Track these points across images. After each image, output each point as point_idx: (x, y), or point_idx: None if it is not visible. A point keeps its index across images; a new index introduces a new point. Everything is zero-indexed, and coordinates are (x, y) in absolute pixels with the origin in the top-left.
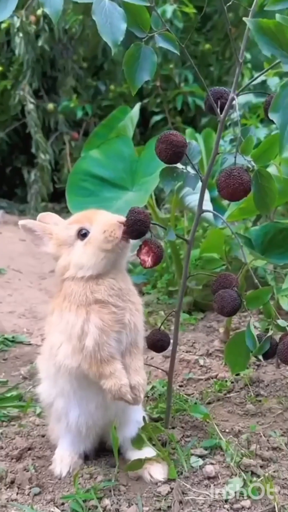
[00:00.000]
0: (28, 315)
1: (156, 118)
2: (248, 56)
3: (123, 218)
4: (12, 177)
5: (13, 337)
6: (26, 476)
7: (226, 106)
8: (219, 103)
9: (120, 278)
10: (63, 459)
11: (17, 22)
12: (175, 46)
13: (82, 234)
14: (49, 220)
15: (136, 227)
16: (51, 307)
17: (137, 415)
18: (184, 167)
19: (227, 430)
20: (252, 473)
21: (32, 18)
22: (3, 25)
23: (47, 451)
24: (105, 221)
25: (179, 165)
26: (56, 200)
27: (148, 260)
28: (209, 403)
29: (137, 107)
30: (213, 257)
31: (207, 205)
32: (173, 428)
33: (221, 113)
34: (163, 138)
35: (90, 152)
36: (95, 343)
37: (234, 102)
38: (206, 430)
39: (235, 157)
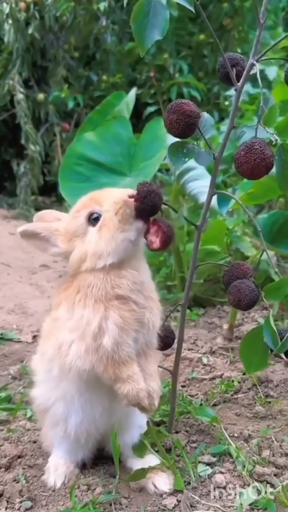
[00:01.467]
0: (17, 311)
1: (150, 109)
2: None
3: (133, 191)
4: (0, 170)
5: (1, 334)
6: (16, 488)
7: (244, 73)
8: (234, 70)
9: (142, 269)
10: (58, 468)
11: (6, 9)
12: (190, 2)
13: (94, 219)
14: (49, 218)
15: (150, 198)
16: (57, 300)
17: (140, 420)
18: (195, 142)
19: (235, 435)
20: (267, 482)
21: (22, 4)
22: None
23: (39, 459)
24: (116, 199)
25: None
26: (47, 193)
27: (156, 241)
28: (214, 404)
29: (133, 91)
30: (214, 250)
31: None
32: (177, 432)
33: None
34: (175, 108)
35: (85, 134)
36: (114, 343)
37: (254, 69)
38: (213, 435)
39: (256, 129)
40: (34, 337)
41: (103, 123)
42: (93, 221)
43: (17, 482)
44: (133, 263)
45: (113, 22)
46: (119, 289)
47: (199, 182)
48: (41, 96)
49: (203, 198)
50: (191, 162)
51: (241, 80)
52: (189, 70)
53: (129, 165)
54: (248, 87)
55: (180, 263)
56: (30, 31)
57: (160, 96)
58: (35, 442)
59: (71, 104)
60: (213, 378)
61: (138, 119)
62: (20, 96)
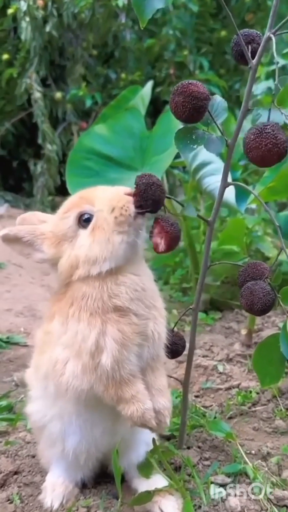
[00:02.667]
0: (26, 314)
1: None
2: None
3: (129, 189)
4: (19, 170)
5: (7, 338)
6: (9, 509)
7: (260, 48)
8: (250, 48)
9: (142, 273)
10: (56, 488)
11: (23, 6)
12: None
13: (85, 220)
14: (32, 220)
15: (150, 192)
16: (50, 312)
17: (146, 436)
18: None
19: (253, 452)
20: (287, 507)
21: (40, 2)
22: (10, 11)
23: (37, 476)
24: (110, 197)
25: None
26: (64, 193)
27: (161, 243)
28: (230, 417)
29: (149, 85)
30: (232, 250)
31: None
32: (189, 448)
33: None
34: (181, 89)
35: (95, 127)
36: (113, 361)
37: (270, 43)
38: (228, 452)
39: (269, 111)
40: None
41: (114, 116)
42: (84, 223)
43: (11, 503)
44: (133, 266)
45: (132, 19)
46: (117, 298)
47: (216, 177)
48: (58, 94)
49: None
50: (208, 156)
51: (257, 56)
52: (209, 67)
53: (141, 159)
54: (269, 83)
55: (196, 264)
56: (47, 29)
57: None
58: (33, 456)
59: (89, 103)
60: (229, 388)
61: (157, 117)
62: (37, 95)
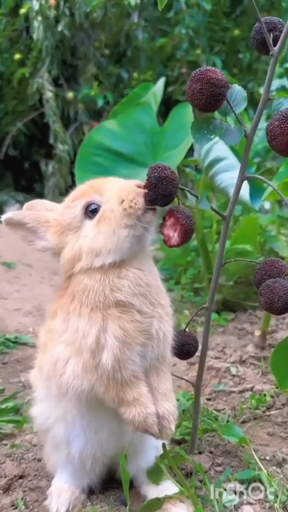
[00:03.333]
0: (35, 313)
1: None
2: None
3: (140, 182)
4: (30, 170)
5: (15, 338)
6: None
7: (283, 34)
8: (271, 36)
9: (147, 269)
10: (61, 494)
11: (36, 6)
12: None
13: (91, 211)
14: (39, 208)
15: (161, 187)
16: (53, 309)
17: (156, 440)
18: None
19: (267, 458)
20: None
21: (52, 1)
22: (22, 10)
23: (42, 481)
24: (120, 188)
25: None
26: None
27: (174, 236)
28: (244, 422)
29: (161, 81)
30: (245, 249)
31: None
32: (200, 453)
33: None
34: (198, 75)
35: (105, 123)
36: (114, 360)
37: None
38: (241, 457)
39: None
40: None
41: (125, 111)
42: (90, 214)
43: (15, 508)
44: (137, 261)
45: (145, 19)
46: (119, 292)
47: (230, 174)
48: (70, 94)
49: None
50: (221, 152)
51: (279, 43)
52: (223, 66)
53: (153, 155)
54: (283, 81)
55: (209, 264)
56: (60, 28)
57: None
58: (39, 460)
59: (100, 102)
60: (243, 391)
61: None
62: (49, 95)
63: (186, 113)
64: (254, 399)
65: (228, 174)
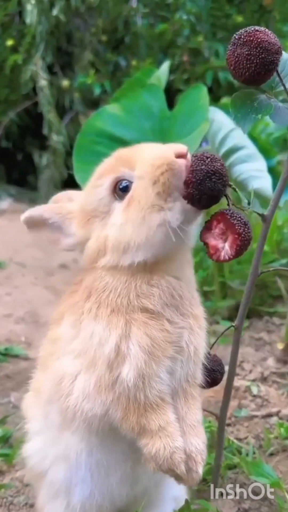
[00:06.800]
0: (28, 320)
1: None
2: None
3: (182, 148)
4: (23, 162)
5: (6, 349)
6: None
7: None
8: None
9: (185, 277)
10: None
11: None
12: None
13: (122, 189)
14: (64, 199)
15: (209, 184)
16: (59, 313)
17: (175, 490)
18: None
19: None
20: None
21: None
22: None
23: None
24: (156, 160)
25: None
26: (71, 187)
27: (225, 248)
28: (271, 454)
29: (165, 65)
30: None
31: (264, 176)
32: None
33: None
34: (245, 37)
35: (106, 107)
36: (138, 375)
37: None
38: (272, 501)
39: None
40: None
41: (129, 94)
42: (121, 192)
43: None
44: (175, 265)
45: (144, 4)
46: (147, 299)
47: (249, 165)
48: (65, 82)
49: (254, 184)
50: (239, 140)
51: None
52: (226, 53)
53: (161, 143)
54: None
55: (220, 265)
56: (54, 13)
57: (194, 81)
58: (32, 506)
59: (97, 91)
60: (267, 416)
61: (170, 107)
62: (43, 83)
63: (200, 96)
64: (283, 427)
65: (247, 165)
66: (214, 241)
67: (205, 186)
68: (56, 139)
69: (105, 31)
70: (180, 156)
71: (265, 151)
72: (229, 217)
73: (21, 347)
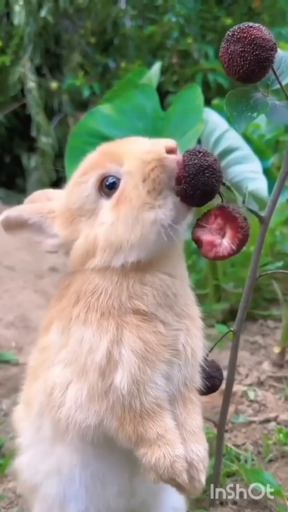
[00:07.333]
0: (18, 324)
1: (173, 98)
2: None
3: (172, 143)
4: (11, 165)
5: None
6: None
7: None
8: None
9: (179, 274)
10: None
11: None
12: None
13: (109, 186)
14: (41, 199)
15: (202, 179)
16: (48, 320)
17: (174, 500)
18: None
19: None
20: None
21: None
22: None
23: None
24: (145, 155)
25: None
26: (61, 189)
27: (223, 243)
28: (270, 460)
29: (156, 66)
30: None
31: (259, 178)
32: (222, 504)
33: None
34: (238, 34)
35: (99, 107)
36: (132, 382)
37: None
38: (272, 508)
39: None
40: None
41: (122, 94)
42: (108, 190)
43: None
44: (168, 262)
45: (133, 6)
46: (139, 300)
47: (244, 166)
48: (54, 84)
49: (249, 186)
50: (233, 141)
51: None
52: (215, 56)
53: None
54: None
55: (214, 268)
56: (43, 14)
57: (184, 83)
58: None
59: (86, 93)
60: (265, 422)
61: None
62: (31, 85)
63: (195, 96)
64: (281, 433)
65: (242, 167)
66: (210, 236)
67: (198, 181)
68: (44, 141)
69: (93, 33)
70: (170, 151)
71: (260, 153)
72: (230, 210)
73: (12, 353)
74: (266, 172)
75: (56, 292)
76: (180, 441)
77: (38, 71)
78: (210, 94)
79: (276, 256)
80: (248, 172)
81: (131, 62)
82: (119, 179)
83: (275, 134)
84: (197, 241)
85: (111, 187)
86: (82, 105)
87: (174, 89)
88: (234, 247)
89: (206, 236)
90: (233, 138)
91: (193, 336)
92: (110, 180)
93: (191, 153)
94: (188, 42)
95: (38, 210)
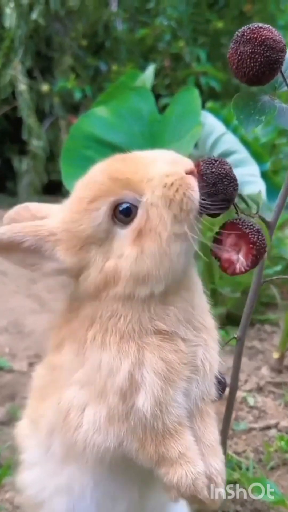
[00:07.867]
0: (11, 330)
1: (165, 101)
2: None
3: (191, 164)
4: (2, 168)
5: None
6: None
7: None
8: None
9: (193, 287)
10: None
11: None
12: None
13: (123, 212)
14: (25, 216)
15: (221, 187)
16: (57, 338)
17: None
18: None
19: None
20: None
21: None
22: None
23: None
24: (166, 177)
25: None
26: (51, 193)
27: (240, 259)
28: (272, 468)
29: (150, 68)
30: None
31: (257, 181)
32: None
33: None
34: (248, 35)
35: (95, 110)
36: (155, 404)
37: None
38: None
39: None
40: (31, 364)
41: (118, 96)
42: (123, 217)
43: None
44: (186, 279)
45: (124, 9)
46: (161, 321)
47: (242, 170)
48: (45, 87)
49: (247, 190)
50: (231, 144)
51: None
52: (207, 59)
53: (152, 148)
54: None
55: (211, 272)
56: (34, 16)
57: (176, 87)
58: None
59: (78, 96)
60: (266, 428)
61: None
62: (22, 87)
63: (192, 99)
64: (283, 440)
65: (240, 170)
66: (226, 254)
67: (218, 190)
68: (36, 144)
69: (85, 36)
70: (189, 172)
71: (258, 156)
72: (240, 226)
73: (5, 359)
74: (263, 175)
75: (64, 313)
76: (200, 457)
77: (29, 73)
78: (203, 97)
79: (272, 260)
80: (246, 176)
81: (122, 65)
82: (135, 206)
83: (271, 138)
84: (216, 258)
85: (126, 214)
86: (74, 108)
87: (166, 92)
88: (248, 263)
89: (223, 253)
90: (230, 141)
91: (210, 350)
92: (124, 205)
93: (208, 162)
94: (180, 45)
95: (34, 231)
